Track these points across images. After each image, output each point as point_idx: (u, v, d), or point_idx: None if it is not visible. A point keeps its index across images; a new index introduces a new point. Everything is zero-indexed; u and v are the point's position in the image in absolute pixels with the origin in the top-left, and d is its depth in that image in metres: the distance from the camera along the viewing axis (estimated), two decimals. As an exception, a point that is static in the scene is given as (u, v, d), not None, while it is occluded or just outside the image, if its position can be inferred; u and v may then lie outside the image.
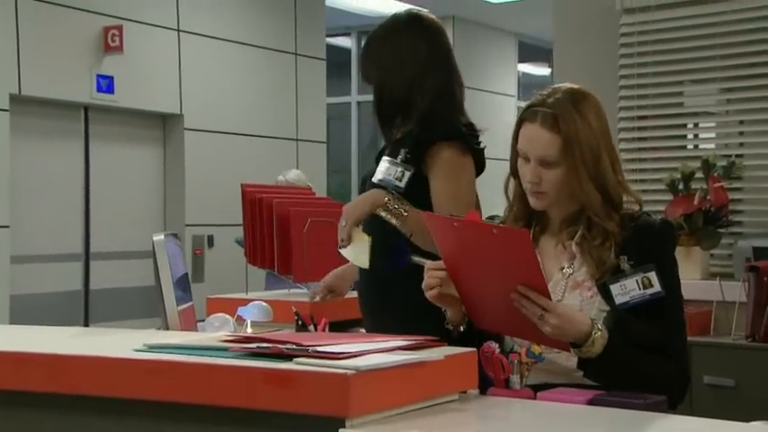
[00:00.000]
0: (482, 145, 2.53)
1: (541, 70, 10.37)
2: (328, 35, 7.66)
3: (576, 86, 2.12)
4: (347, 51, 9.26)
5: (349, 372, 1.54)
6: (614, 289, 1.99)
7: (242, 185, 3.22)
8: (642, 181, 4.23)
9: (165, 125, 6.63)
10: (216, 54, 6.73)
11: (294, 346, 1.67)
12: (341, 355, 1.63)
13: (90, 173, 6.22)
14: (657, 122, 4.25)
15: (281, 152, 7.01)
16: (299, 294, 3.12)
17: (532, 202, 2.09)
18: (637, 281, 1.98)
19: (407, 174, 2.41)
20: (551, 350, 1.96)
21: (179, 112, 6.54)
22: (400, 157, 2.42)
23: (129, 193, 6.43)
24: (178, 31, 6.55)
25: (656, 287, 1.97)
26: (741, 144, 4.27)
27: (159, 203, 6.62)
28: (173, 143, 6.60)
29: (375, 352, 1.69)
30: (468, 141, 2.48)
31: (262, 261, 3.07)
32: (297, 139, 7.14)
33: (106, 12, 6.13)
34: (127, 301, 6.28)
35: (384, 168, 2.42)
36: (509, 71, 9.58)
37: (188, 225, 6.53)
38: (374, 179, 2.43)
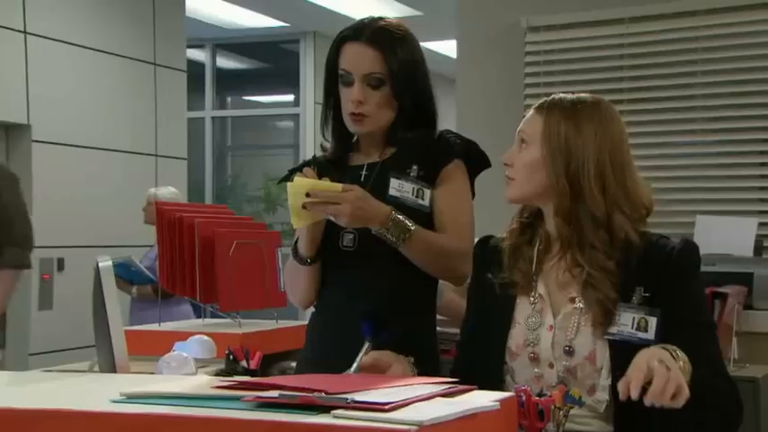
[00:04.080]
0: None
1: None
2: (182, 47, 7.25)
3: (592, 96, 1.98)
4: (200, 65, 8.84)
5: (413, 428, 1.28)
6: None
7: (156, 203, 2.86)
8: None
9: (8, 136, 6.03)
10: (68, 60, 6.20)
11: (325, 395, 1.40)
12: (386, 407, 1.37)
13: None
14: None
15: (140, 168, 6.53)
16: (222, 325, 2.79)
17: (505, 192, 1.94)
18: (634, 318, 1.81)
19: (427, 191, 2.15)
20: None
21: (26, 122, 5.97)
22: (411, 173, 2.16)
23: (-33, 210, 5.79)
24: (25, 33, 5.99)
25: (650, 334, 1.79)
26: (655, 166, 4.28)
27: (2, 222, 6.01)
28: (18, 156, 6.00)
29: (417, 401, 1.44)
30: (485, 160, 2.28)
31: (182, 288, 2.71)
32: (156, 155, 6.68)
33: (-59, 9, 5.53)
34: (-39, 331, 5.63)
35: (397, 185, 2.13)
36: (366, 90, 9.39)
37: (35, 247, 5.94)
38: (389, 196, 2.14)
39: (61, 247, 6.03)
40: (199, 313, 5.54)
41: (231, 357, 2.45)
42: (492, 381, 1.80)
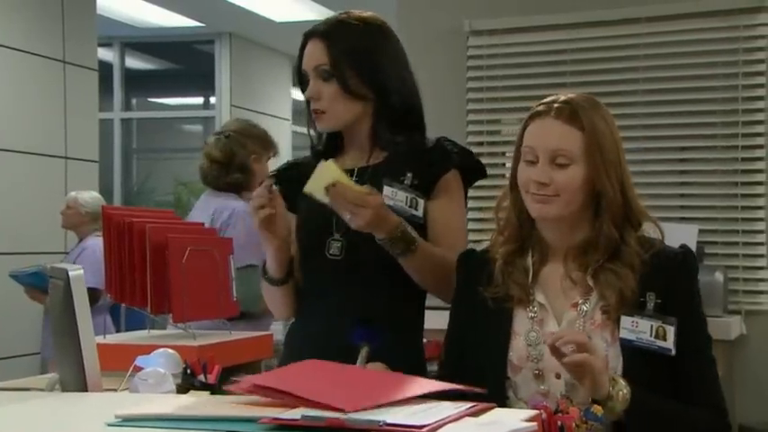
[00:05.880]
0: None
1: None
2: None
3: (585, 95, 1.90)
4: (108, 65, 8.49)
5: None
6: (624, 321, 1.77)
7: (103, 208, 2.64)
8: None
9: None
10: (-32, 56, 5.84)
11: (354, 417, 1.26)
12: (423, 430, 1.25)
13: None
14: (509, 148, 4.11)
15: (48, 171, 6.18)
16: (173, 337, 2.60)
17: (537, 209, 1.81)
18: (652, 326, 1.77)
19: (421, 201, 2.03)
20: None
21: None
22: (406, 181, 2.03)
23: None
24: None
25: (669, 344, 1.76)
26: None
27: None
28: None
29: (449, 422, 1.32)
30: (481, 171, 2.19)
31: (131, 298, 2.50)
32: (66, 157, 6.34)
33: None
34: None
35: (390, 193, 2.00)
36: (284, 94, 9.21)
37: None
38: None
39: (-37, 255, 5.68)
40: (118, 326, 5.27)
41: (188, 371, 2.28)
42: (494, 397, 1.69)
